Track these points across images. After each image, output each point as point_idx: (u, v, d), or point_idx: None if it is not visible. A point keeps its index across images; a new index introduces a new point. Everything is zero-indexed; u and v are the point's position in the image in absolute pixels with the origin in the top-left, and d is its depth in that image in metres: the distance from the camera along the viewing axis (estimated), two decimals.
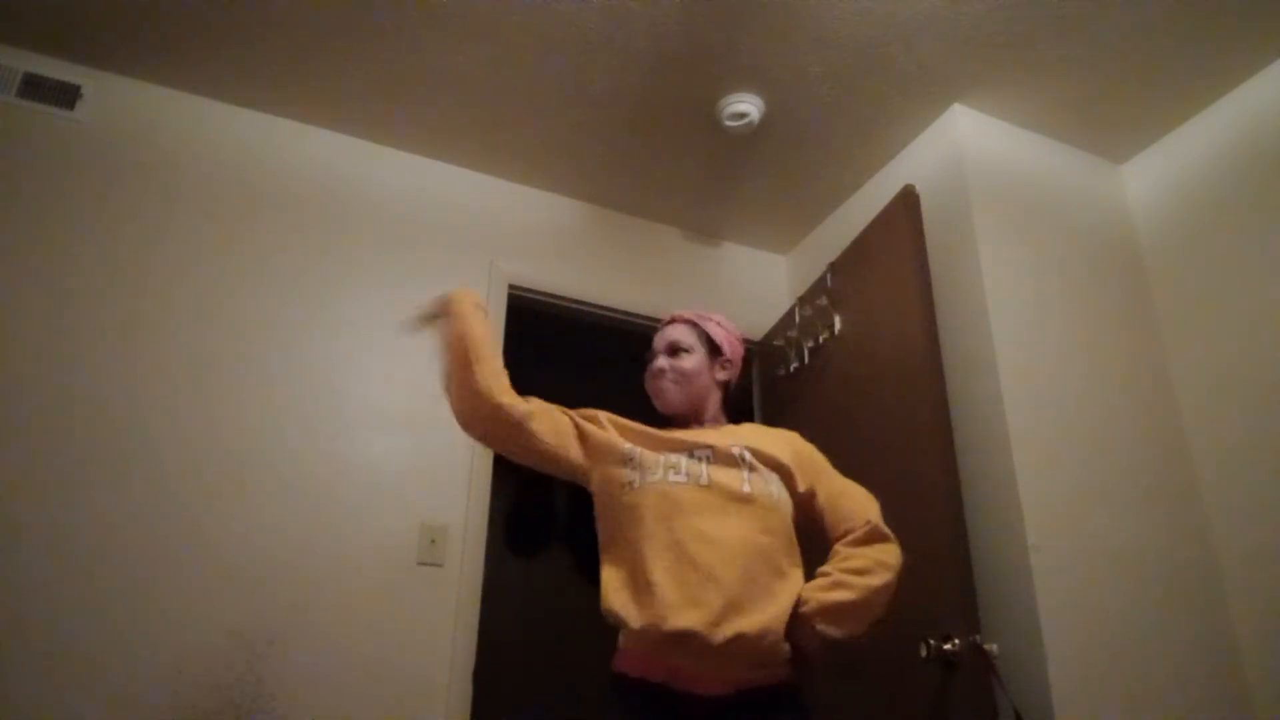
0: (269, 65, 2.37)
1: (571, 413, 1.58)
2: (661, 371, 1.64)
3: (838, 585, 1.38)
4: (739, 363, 1.71)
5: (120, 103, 2.39)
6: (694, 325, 1.69)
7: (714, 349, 1.67)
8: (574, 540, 4.19)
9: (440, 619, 2.19)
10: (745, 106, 2.43)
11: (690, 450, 1.50)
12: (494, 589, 2.54)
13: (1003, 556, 1.98)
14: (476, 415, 1.49)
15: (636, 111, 2.51)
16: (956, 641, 1.75)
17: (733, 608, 1.32)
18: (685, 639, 1.30)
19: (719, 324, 1.71)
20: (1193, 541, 2.18)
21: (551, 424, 1.52)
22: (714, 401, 1.66)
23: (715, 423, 1.65)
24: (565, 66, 2.34)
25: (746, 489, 1.44)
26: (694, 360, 1.64)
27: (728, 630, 1.30)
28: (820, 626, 1.35)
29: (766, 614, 1.34)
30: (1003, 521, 2.00)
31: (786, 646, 1.36)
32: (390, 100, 2.50)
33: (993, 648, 1.74)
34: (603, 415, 1.59)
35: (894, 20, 2.16)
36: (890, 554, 1.45)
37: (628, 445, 1.51)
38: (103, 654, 1.88)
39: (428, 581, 2.21)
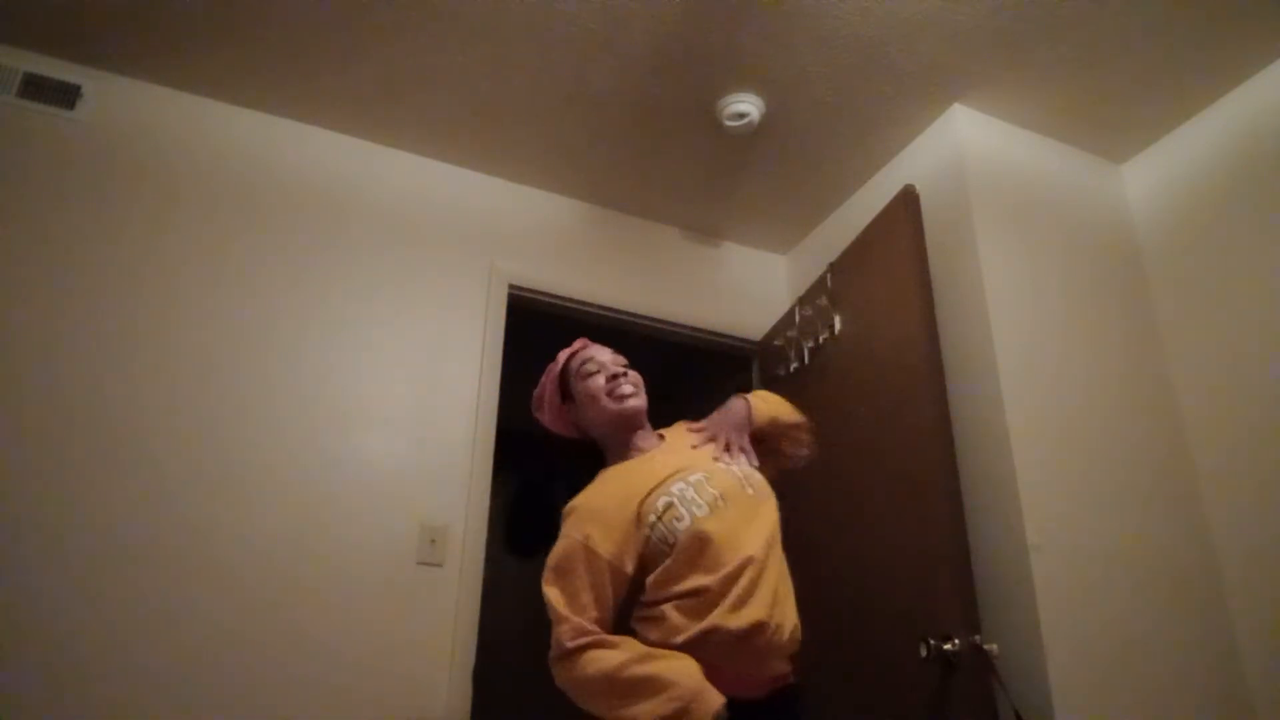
0: (269, 65, 2.37)
1: (605, 576, 1.41)
2: (625, 377, 1.64)
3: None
4: None
5: (120, 103, 2.38)
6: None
7: None
8: None
9: (440, 619, 2.19)
10: (745, 106, 2.43)
11: (686, 477, 1.48)
12: (494, 589, 2.54)
13: (1003, 556, 1.98)
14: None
15: (636, 111, 2.51)
16: (956, 641, 1.75)
17: (778, 600, 1.41)
18: (755, 632, 1.35)
19: None
20: (1193, 542, 2.18)
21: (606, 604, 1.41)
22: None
23: (651, 436, 1.68)
24: (565, 66, 2.34)
25: (749, 491, 1.51)
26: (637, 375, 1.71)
27: (786, 623, 1.40)
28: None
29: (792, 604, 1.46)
30: (1003, 521, 2.00)
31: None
32: (390, 100, 2.50)
33: (993, 648, 1.74)
34: (597, 535, 1.43)
35: (894, 20, 2.16)
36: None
37: (652, 506, 1.43)
38: (102, 654, 1.88)
39: (428, 581, 2.21)
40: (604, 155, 2.72)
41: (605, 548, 1.41)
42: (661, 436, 1.68)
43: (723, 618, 1.34)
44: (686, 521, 1.40)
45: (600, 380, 1.63)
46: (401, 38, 2.26)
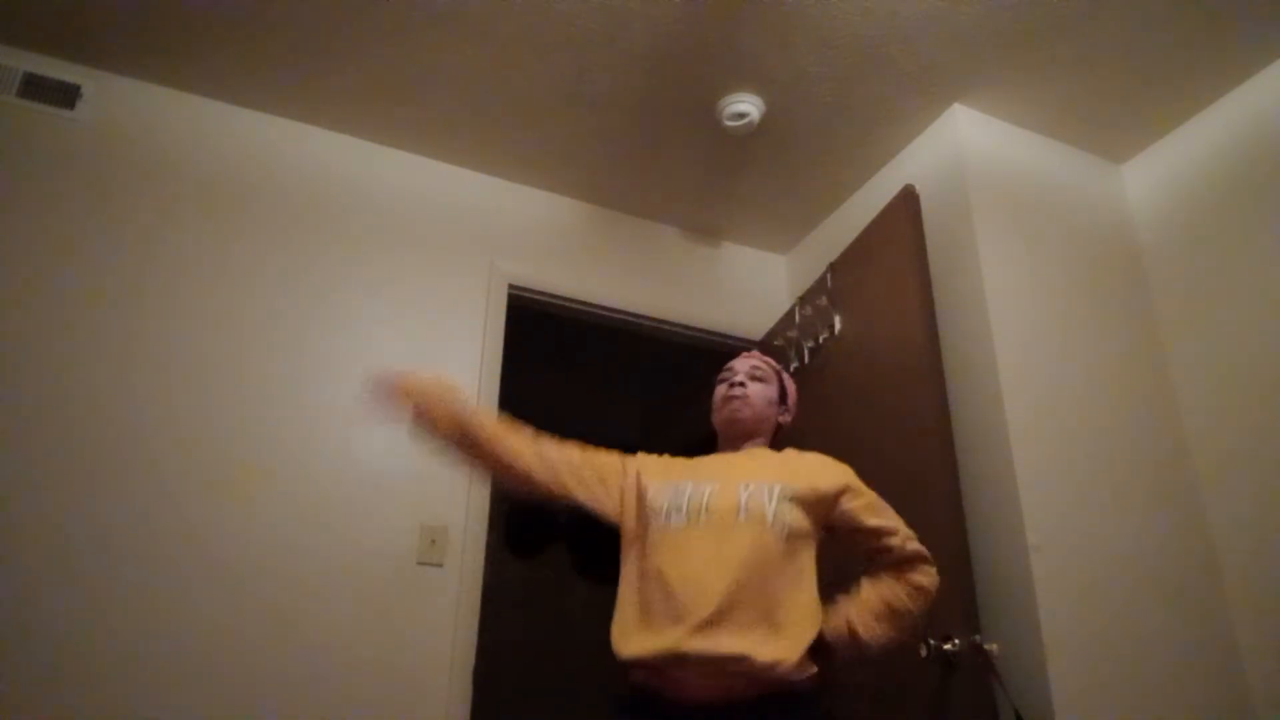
0: (269, 65, 2.37)
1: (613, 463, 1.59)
2: (744, 386, 1.65)
3: (879, 618, 1.46)
4: (791, 417, 1.75)
5: (120, 103, 2.39)
6: (773, 369, 1.74)
7: (783, 395, 1.72)
8: (574, 540, 4.19)
9: (440, 619, 2.19)
10: (745, 106, 2.43)
11: (700, 480, 1.51)
12: (494, 589, 2.54)
13: (1003, 556, 1.98)
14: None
15: (636, 111, 2.51)
16: (956, 641, 1.75)
17: (712, 624, 1.33)
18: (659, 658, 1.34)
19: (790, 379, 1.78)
20: (1193, 541, 2.18)
21: (579, 478, 1.54)
22: (765, 433, 1.67)
23: (754, 449, 1.64)
24: (565, 66, 2.34)
25: (742, 516, 1.43)
26: (768, 390, 1.67)
27: (708, 646, 1.31)
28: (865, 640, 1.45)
29: (770, 642, 1.33)
30: (1003, 521, 2.00)
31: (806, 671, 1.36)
32: (390, 100, 2.50)
33: (993, 648, 1.75)
34: (634, 462, 1.61)
35: (894, 20, 2.16)
36: (930, 577, 1.51)
37: (650, 490, 1.52)
38: (102, 654, 1.88)
39: (428, 581, 2.21)
40: (604, 155, 2.72)
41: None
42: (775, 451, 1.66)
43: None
44: (659, 519, 1.46)
45: (723, 387, 1.66)
46: (401, 38, 2.26)
